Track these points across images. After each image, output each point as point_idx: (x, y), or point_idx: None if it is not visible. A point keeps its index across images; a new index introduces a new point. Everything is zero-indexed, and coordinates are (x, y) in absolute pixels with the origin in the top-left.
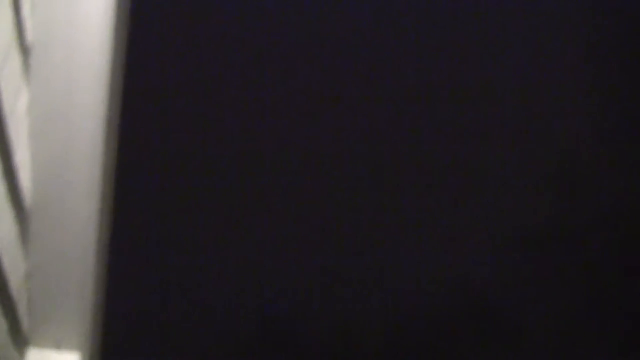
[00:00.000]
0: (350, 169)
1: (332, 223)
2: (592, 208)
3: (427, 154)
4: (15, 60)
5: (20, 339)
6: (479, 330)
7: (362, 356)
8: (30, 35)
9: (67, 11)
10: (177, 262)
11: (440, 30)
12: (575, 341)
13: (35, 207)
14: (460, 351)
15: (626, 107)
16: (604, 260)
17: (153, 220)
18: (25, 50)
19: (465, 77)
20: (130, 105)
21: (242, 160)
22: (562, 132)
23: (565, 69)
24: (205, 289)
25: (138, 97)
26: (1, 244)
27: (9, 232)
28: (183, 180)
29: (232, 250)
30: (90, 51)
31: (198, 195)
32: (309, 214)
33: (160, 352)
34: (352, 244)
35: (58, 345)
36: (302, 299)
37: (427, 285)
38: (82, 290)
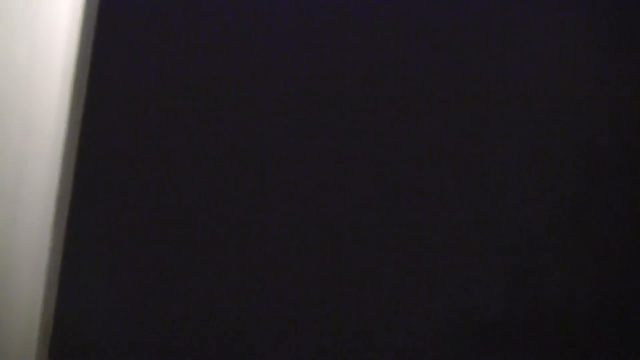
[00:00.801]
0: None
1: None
2: (542, 302)
3: (371, 236)
4: None
5: None
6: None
7: None
8: None
9: None
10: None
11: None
12: None
13: None
14: None
15: (574, 204)
16: (550, 355)
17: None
18: None
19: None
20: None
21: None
22: (516, 228)
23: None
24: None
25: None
26: None
27: None
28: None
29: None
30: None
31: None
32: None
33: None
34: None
35: None
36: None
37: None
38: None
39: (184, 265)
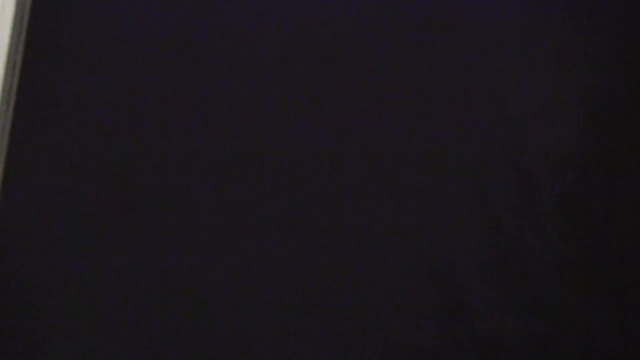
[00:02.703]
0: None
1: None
2: (471, 332)
3: (307, 281)
4: None
5: None
6: None
7: None
8: None
9: None
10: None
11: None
12: None
13: None
14: None
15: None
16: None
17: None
18: None
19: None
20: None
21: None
22: (446, 260)
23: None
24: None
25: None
26: None
27: None
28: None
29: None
30: None
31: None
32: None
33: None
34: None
35: None
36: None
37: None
38: None
39: None
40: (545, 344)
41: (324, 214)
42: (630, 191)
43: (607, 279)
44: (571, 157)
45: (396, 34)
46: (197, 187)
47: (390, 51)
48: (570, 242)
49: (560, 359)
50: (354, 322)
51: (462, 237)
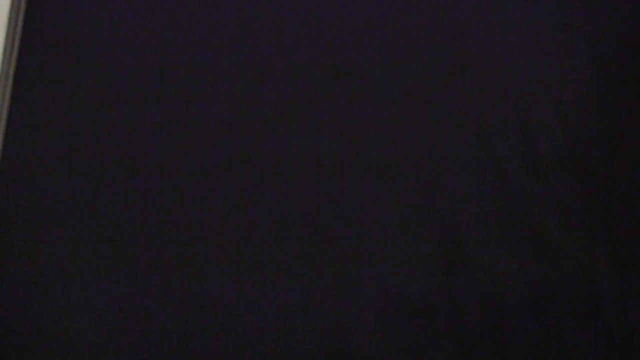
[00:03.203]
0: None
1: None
2: (471, 282)
3: (311, 221)
4: None
5: None
6: None
7: None
8: None
9: None
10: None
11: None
12: None
13: None
14: None
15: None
16: (480, 331)
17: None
18: None
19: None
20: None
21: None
22: (447, 207)
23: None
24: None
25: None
26: None
27: None
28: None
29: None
30: None
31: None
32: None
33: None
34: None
35: None
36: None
37: (305, 350)
38: None
39: None
40: (545, 290)
41: (323, 160)
42: (630, 136)
43: (607, 223)
44: (573, 103)
45: None
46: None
47: None
48: (570, 187)
49: (559, 305)
50: (352, 272)
51: (463, 181)
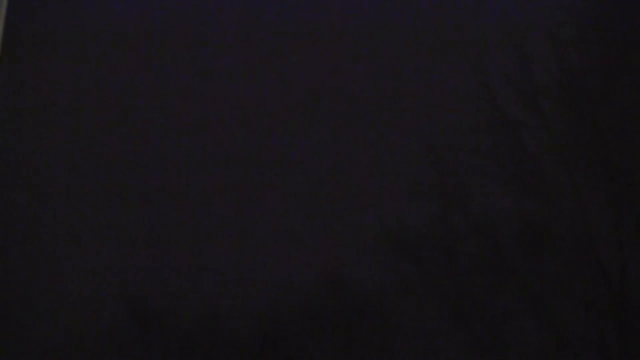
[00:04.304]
0: (230, 167)
1: (210, 218)
2: (467, 216)
3: (310, 153)
4: None
5: None
6: (348, 327)
7: (232, 347)
8: None
9: None
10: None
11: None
12: (440, 344)
13: None
14: (329, 347)
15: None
16: (475, 266)
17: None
18: None
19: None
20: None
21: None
22: (444, 141)
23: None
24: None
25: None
26: None
27: None
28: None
29: (100, 238)
30: None
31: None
32: (175, 211)
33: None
34: (225, 236)
35: None
36: (174, 289)
37: (302, 281)
38: None
39: None
40: (540, 225)
41: (324, 99)
42: (629, 70)
43: (603, 157)
44: (572, 37)
45: None
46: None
47: None
48: (566, 120)
49: (554, 241)
50: (350, 206)
51: (459, 116)
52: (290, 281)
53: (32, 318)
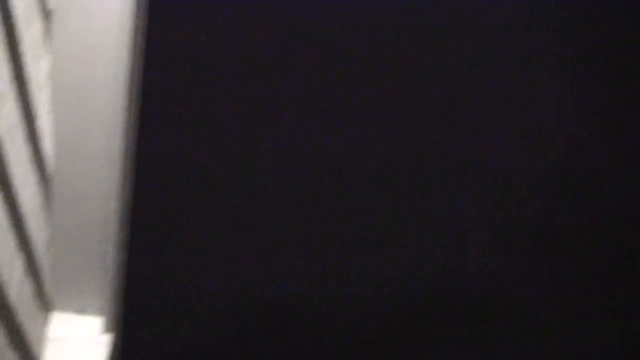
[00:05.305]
0: (336, 169)
1: (324, 220)
2: (588, 208)
3: (420, 150)
4: (36, 25)
5: (44, 303)
6: (466, 323)
7: (353, 343)
8: (51, 0)
9: None
10: (197, 228)
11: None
12: (563, 337)
13: (57, 173)
14: (446, 340)
15: (620, 109)
16: (597, 261)
17: (173, 186)
18: (46, 15)
19: (460, 77)
20: (152, 72)
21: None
22: (557, 131)
23: (558, 68)
24: (218, 257)
25: (160, 64)
26: (26, 208)
27: (32, 196)
28: (204, 149)
29: (236, 232)
30: (111, 17)
31: (219, 165)
32: (303, 214)
33: (180, 317)
34: (343, 238)
35: (82, 309)
36: (298, 290)
37: (417, 278)
38: (104, 255)
39: None
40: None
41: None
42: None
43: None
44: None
45: None
46: None
47: None
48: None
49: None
50: (465, 202)
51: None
52: (409, 280)
53: (174, 316)
